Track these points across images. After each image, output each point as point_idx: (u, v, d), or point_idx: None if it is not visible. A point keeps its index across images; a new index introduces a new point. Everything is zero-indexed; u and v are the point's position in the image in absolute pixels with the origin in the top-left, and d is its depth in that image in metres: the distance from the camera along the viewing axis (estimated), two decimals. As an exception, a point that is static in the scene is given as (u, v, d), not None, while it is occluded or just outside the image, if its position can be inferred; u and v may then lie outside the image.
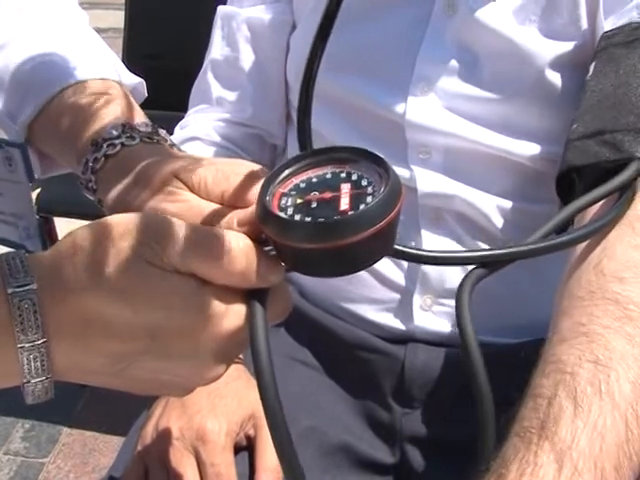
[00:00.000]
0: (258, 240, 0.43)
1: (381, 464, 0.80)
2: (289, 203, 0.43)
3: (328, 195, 0.43)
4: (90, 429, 1.81)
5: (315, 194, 0.43)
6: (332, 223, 0.41)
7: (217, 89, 0.90)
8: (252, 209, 0.44)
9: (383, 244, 0.43)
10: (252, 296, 0.43)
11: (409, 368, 0.79)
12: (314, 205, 0.43)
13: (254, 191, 0.46)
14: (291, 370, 0.82)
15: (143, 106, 0.64)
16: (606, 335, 0.49)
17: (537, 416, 0.46)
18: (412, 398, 0.80)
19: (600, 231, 0.55)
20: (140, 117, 0.60)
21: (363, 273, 0.79)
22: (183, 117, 0.93)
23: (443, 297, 0.78)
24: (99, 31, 0.71)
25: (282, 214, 0.42)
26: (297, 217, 0.42)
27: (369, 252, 0.43)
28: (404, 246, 0.48)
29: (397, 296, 0.80)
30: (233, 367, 0.73)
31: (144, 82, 0.69)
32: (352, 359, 0.81)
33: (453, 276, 0.77)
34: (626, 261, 0.53)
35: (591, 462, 0.43)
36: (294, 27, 0.85)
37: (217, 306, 0.42)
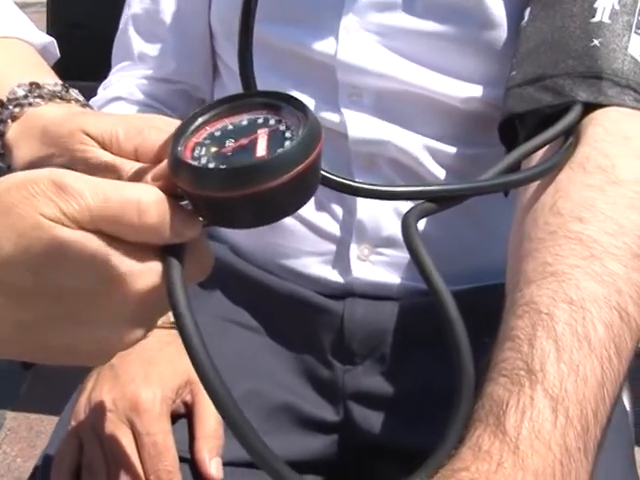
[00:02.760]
0: (175, 196, 0.41)
1: (325, 422, 0.79)
2: (203, 152, 0.41)
3: (244, 142, 0.41)
4: (35, 412, 1.79)
5: (231, 141, 0.41)
6: (248, 168, 0.39)
7: (139, 44, 0.86)
8: (166, 163, 0.42)
9: (305, 189, 0.41)
10: (168, 253, 0.41)
11: (349, 321, 0.77)
12: (230, 153, 0.41)
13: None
14: (227, 332, 0.80)
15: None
16: (575, 274, 0.49)
17: (520, 357, 0.46)
18: (353, 354, 0.78)
19: (550, 172, 0.55)
20: (50, 76, 0.57)
21: (295, 225, 0.77)
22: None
23: (380, 246, 0.76)
24: (25, 6, 0.67)
25: (195, 163, 0.40)
26: (211, 165, 0.40)
27: (290, 198, 0.41)
28: (332, 174, 0.46)
29: (333, 247, 0.78)
30: (166, 332, 0.70)
31: (55, 42, 0.66)
32: (290, 316, 0.79)
33: (389, 224, 0.76)
34: (582, 201, 0.53)
35: (579, 408, 0.44)
36: None
37: (129, 264, 0.39)
